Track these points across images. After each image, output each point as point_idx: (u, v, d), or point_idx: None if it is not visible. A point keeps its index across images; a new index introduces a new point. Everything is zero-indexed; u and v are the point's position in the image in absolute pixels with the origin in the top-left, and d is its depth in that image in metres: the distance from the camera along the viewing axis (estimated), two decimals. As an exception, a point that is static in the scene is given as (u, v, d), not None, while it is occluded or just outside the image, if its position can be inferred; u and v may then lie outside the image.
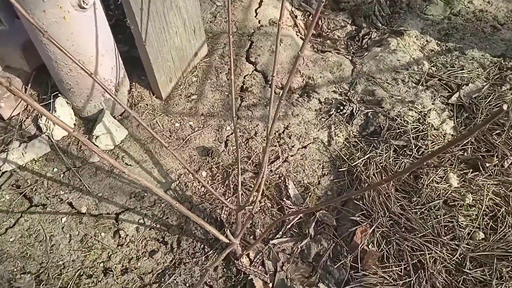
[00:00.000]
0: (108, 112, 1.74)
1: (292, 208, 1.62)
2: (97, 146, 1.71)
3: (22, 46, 1.66)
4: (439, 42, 2.11)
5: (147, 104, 1.84)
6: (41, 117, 1.70)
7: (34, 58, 1.70)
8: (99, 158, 1.69)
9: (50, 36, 1.08)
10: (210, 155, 1.75)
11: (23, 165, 1.64)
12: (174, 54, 1.79)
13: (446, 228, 1.49)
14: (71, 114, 1.73)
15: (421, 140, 1.73)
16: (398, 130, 1.77)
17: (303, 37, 2.21)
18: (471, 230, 1.49)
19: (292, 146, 1.78)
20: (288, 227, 1.59)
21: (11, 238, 1.51)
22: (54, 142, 1.68)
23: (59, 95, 1.70)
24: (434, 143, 1.72)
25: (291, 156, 1.76)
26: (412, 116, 1.82)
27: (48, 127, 1.67)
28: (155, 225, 1.58)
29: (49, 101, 1.70)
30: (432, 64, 2.01)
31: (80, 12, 1.41)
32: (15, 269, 1.46)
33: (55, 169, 1.66)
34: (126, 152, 1.72)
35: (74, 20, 1.41)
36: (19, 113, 1.73)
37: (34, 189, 1.61)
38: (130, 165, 1.70)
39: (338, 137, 1.81)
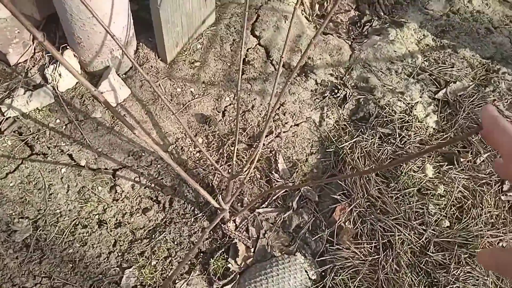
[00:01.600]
0: (114, 69, 1.79)
1: (280, 182, 1.74)
2: (100, 102, 1.77)
3: (35, -6, 1.68)
4: (435, 37, 2.20)
5: (151, 66, 1.89)
6: (48, 67, 1.74)
7: (46, 6, 1.71)
8: (101, 114, 1.76)
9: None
10: (207, 123, 1.83)
11: (27, 113, 1.70)
12: (184, 20, 1.83)
13: (416, 214, 1.65)
14: (77, 67, 1.77)
15: (405, 130, 1.85)
16: (386, 119, 1.89)
17: (307, 16, 2.26)
18: (438, 218, 1.65)
19: (286, 123, 1.88)
20: (273, 198, 1.72)
21: (11, 183, 1.59)
22: (58, 94, 1.73)
23: (67, 47, 1.73)
24: (416, 134, 1.85)
25: (284, 132, 1.86)
26: (400, 107, 1.93)
27: (54, 78, 1.71)
28: (150, 184, 1.68)
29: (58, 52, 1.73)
30: (425, 59, 2.11)
31: (98, -30, 1.44)
32: (13, 213, 1.54)
33: (58, 120, 1.72)
34: (128, 111, 1.79)
35: (92, -24, 1.43)
36: (26, 60, 1.76)
37: (36, 137, 1.67)
38: (130, 124, 1.77)
39: (329, 118, 1.92)
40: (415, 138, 1.83)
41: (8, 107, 1.67)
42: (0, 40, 1.72)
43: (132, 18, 1.80)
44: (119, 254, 1.54)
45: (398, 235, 1.58)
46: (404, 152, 1.80)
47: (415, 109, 1.93)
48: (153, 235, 1.59)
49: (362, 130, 1.86)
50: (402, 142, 1.82)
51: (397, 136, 1.83)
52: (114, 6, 1.60)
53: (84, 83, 0.93)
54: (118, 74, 1.83)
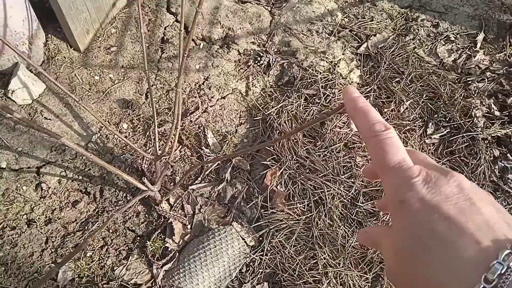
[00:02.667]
0: (23, 65, 1.72)
1: (211, 156, 1.74)
2: (13, 101, 1.70)
3: None
4: (353, -7, 2.21)
5: (64, 57, 1.82)
6: (-52, 72, 1.65)
7: None
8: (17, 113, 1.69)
9: None
10: (130, 108, 1.80)
11: None
12: (89, 5, 1.77)
13: (344, 168, 1.69)
14: (-18, 68, 1.69)
15: (329, 89, 1.88)
16: (310, 80, 1.90)
17: (225, -14, 2.22)
18: (366, 169, 1.69)
19: (212, 97, 1.87)
20: (206, 173, 1.72)
21: None
22: (-34, 98, 1.65)
23: (-34, 49, 1.65)
24: (340, 91, 1.87)
25: (211, 106, 1.85)
26: (323, 66, 1.95)
27: (-42, 83, 1.63)
28: (77, 177, 1.65)
29: (-44, 55, 1.65)
30: (345, 16, 2.12)
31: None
32: None
33: (-30, 126, 1.65)
34: (45, 106, 1.73)
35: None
36: None
37: None
38: (49, 119, 1.72)
39: (255, 87, 1.92)
40: (339, 95, 1.86)
41: None
42: None
43: (36, 10, 1.72)
44: (53, 251, 1.52)
45: (327, 191, 1.62)
46: (330, 110, 1.82)
47: (338, 67, 1.95)
48: (86, 227, 1.57)
49: (288, 94, 1.87)
50: (327, 101, 1.85)
51: (322, 95, 1.85)
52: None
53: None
54: (30, 70, 1.76)
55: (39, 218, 1.56)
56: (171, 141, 1.52)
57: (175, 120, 1.39)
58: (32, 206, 1.57)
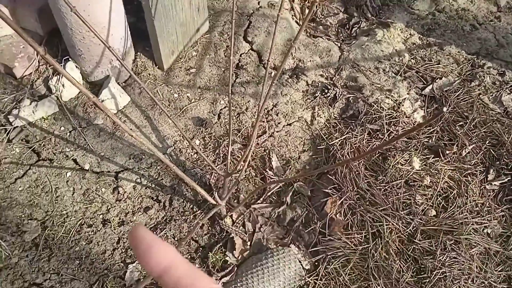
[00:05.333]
0: (113, 78, 1.90)
1: (274, 178, 1.83)
2: (101, 109, 1.87)
3: (38, 11, 1.80)
4: (421, 36, 2.29)
5: (149, 74, 1.99)
6: (51, 78, 1.85)
7: (48, 22, 1.83)
8: (103, 121, 1.86)
9: (77, 11, 1.22)
10: (204, 126, 1.93)
11: (33, 122, 1.81)
12: (178, 29, 1.94)
13: (404, 204, 1.72)
14: (79, 77, 1.88)
15: (393, 126, 1.94)
16: (374, 115, 1.97)
17: (298, 21, 2.35)
18: (425, 208, 1.73)
19: (279, 123, 1.97)
20: (268, 194, 1.81)
21: (19, 187, 1.70)
22: (62, 103, 1.84)
23: (69, 59, 1.85)
24: (404, 130, 1.93)
25: (277, 132, 1.95)
26: (388, 104, 2.02)
27: (58, 89, 1.83)
28: (150, 185, 1.78)
29: (60, 64, 1.85)
30: (412, 57, 2.19)
31: (97, -14, 1.55)
32: (23, 215, 1.65)
33: (62, 128, 1.83)
34: (128, 117, 1.89)
35: (91, -7, 1.55)
36: (31, 73, 1.88)
37: (42, 144, 1.78)
38: (131, 129, 1.87)
39: (320, 117, 2.01)
40: (403, 133, 1.91)
41: (16, 117, 1.78)
42: (6, 55, 1.84)
43: (130, 29, 1.91)
44: (123, 251, 1.64)
45: (386, 225, 1.66)
46: (392, 147, 1.88)
47: (403, 105, 2.01)
48: (155, 232, 1.68)
49: (352, 127, 1.95)
50: (390, 137, 1.90)
51: (385, 131, 1.91)
52: (112, 19, 1.71)
53: (84, 91, 1.03)
54: (118, 83, 1.94)
55: (113, 219, 1.69)
56: (243, 161, 1.62)
57: (252, 142, 1.50)
58: (108, 207, 1.71)
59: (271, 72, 2.13)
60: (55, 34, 1.92)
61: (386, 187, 1.76)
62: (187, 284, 0.34)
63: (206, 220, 1.44)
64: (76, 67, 1.87)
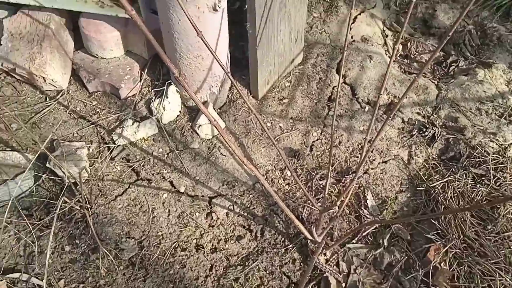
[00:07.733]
0: (211, 104, 1.92)
1: (369, 218, 1.75)
2: (197, 134, 1.90)
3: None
4: (526, 78, 2.16)
5: (243, 102, 2.00)
6: (153, 101, 1.90)
7: (153, 47, 1.90)
8: (199, 145, 1.88)
9: (203, 36, 1.24)
10: (296, 157, 1.90)
11: (134, 142, 1.85)
12: (276, 60, 1.95)
13: (518, 259, 1.58)
14: (179, 102, 1.92)
15: (500, 172, 1.81)
16: (478, 159, 1.85)
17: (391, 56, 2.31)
18: (542, 265, 1.57)
19: (373, 160, 1.90)
20: (363, 234, 1.72)
21: (119, 205, 1.72)
22: (161, 125, 1.88)
23: (171, 83, 1.89)
24: (512, 177, 1.79)
25: (372, 169, 1.88)
26: (492, 148, 1.90)
27: (159, 111, 1.87)
28: (242, 213, 1.75)
29: (162, 87, 1.90)
30: (517, 100, 2.07)
31: (211, 14, 1.59)
32: (121, 233, 1.66)
33: (160, 149, 1.86)
34: (222, 143, 1.90)
35: (205, 20, 1.59)
36: (134, 95, 1.95)
37: (141, 164, 1.81)
38: (224, 155, 1.87)
39: (418, 157, 1.91)
40: (511, 180, 1.78)
41: (119, 136, 1.83)
42: (114, 76, 1.92)
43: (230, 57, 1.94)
44: (215, 279, 1.60)
45: (499, 280, 1.52)
46: (500, 194, 1.75)
47: (509, 151, 1.88)
48: (246, 263, 1.64)
49: (453, 170, 1.84)
50: (497, 184, 1.77)
51: (492, 177, 1.78)
52: (218, 45, 1.75)
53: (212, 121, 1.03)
54: (214, 109, 1.96)
55: (206, 245, 1.67)
56: (344, 196, 1.56)
57: (356, 178, 1.43)
58: (201, 233, 1.69)
59: (365, 107, 2.08)
60: (158, 59, 1.99)
61: (497, 238, 1.62)
62: None
63: (313, 259, 1.38)
64: (177, 91, 1.91)
